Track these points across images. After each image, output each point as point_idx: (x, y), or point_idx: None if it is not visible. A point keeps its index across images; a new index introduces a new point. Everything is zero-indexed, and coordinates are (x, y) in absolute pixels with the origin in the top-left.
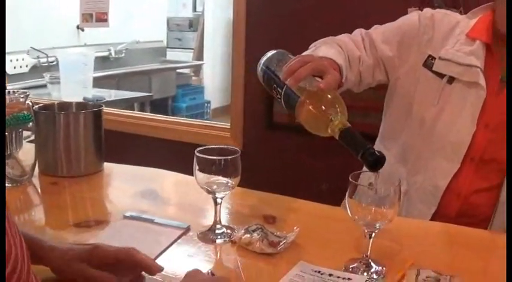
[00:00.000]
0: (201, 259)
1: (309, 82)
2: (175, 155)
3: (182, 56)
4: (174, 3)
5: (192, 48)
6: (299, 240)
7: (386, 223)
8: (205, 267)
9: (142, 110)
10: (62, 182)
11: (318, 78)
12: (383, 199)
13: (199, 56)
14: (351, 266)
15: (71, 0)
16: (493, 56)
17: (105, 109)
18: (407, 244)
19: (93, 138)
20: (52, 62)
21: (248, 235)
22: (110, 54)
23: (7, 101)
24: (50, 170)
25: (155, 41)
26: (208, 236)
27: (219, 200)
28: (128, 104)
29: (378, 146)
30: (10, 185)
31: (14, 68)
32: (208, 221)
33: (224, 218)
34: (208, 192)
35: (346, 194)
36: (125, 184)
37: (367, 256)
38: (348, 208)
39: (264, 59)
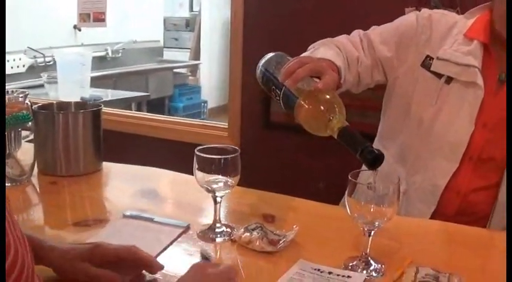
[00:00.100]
0: (200, 258)
1: (307, 83)
2: (172, 155)
3: (179, 56)
4: (170, 3)
5: (189, 48)
6: (298, 239)
7: (386, 221)
8: None
9: (139, 109)
10: (61, 182)
11: (316, 79)
12: (382, 197)
13: (196, 55)
14: (350, 264)
15: (67, 0)
16: (491, 56)
17: (104, 109)
18: (406, 242)
19: (92, 138)
20: (49, 61)
21: (248, 234)
22: (107, 54)
23: (6, 100)
24: (49, 170)
25: (152, 40)
26: (208, 234)
27: (218, 199)
28: (125, 103)
29: (376, 145)
30: (9, 184)
31: (11, 68)
32: (208, 219)
33: (224, 217)
34: (208, 191)
35: (346, 193)
36: (124, 183)
37: (366, 254)
38: (347, 206)
39: (262, 61)
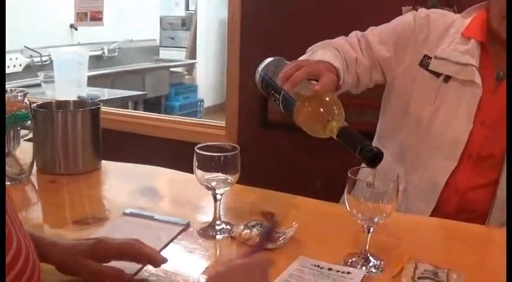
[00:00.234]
0: (201, 255)
1: (305, 86)
2: (170, 153)
3: (175, 55)
4: (166, 2)
5: (185, 47)
6: (298, 236)
7: (385, 218)
8: (205, 263)
9: (136, 108)
10: (60, 180)
11: (314, 81)
12: (381, 194)
13: (192, 54)
14: (349, 260)
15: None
16: (488, 54)
17: (102, 108)
18: (405, 239)
19: (91, 137)
20: (46, 61)
21: (248, 231)
22: (103, 53)
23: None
24: (48, 168)
25: (148, 39)
26: (208, 232)
27: (218, 197)
28: (122, 102)
29: (375, 144)
30: (8, 183)
31: (8, 67)
32: (208, 217)
33: (223, 214)
34: (208, 188)
35: (345, 190)
36: (123, 182)
37: (365, 250)
38: (346, 203)
39: (261, 66)
